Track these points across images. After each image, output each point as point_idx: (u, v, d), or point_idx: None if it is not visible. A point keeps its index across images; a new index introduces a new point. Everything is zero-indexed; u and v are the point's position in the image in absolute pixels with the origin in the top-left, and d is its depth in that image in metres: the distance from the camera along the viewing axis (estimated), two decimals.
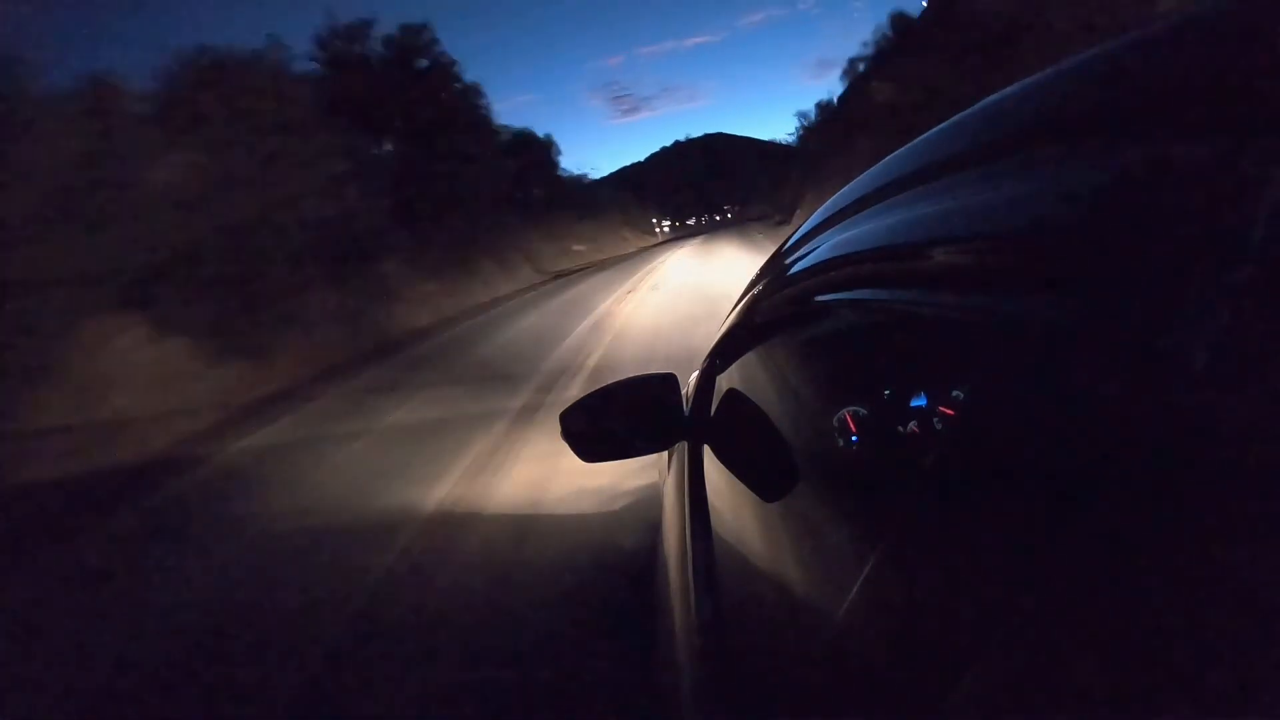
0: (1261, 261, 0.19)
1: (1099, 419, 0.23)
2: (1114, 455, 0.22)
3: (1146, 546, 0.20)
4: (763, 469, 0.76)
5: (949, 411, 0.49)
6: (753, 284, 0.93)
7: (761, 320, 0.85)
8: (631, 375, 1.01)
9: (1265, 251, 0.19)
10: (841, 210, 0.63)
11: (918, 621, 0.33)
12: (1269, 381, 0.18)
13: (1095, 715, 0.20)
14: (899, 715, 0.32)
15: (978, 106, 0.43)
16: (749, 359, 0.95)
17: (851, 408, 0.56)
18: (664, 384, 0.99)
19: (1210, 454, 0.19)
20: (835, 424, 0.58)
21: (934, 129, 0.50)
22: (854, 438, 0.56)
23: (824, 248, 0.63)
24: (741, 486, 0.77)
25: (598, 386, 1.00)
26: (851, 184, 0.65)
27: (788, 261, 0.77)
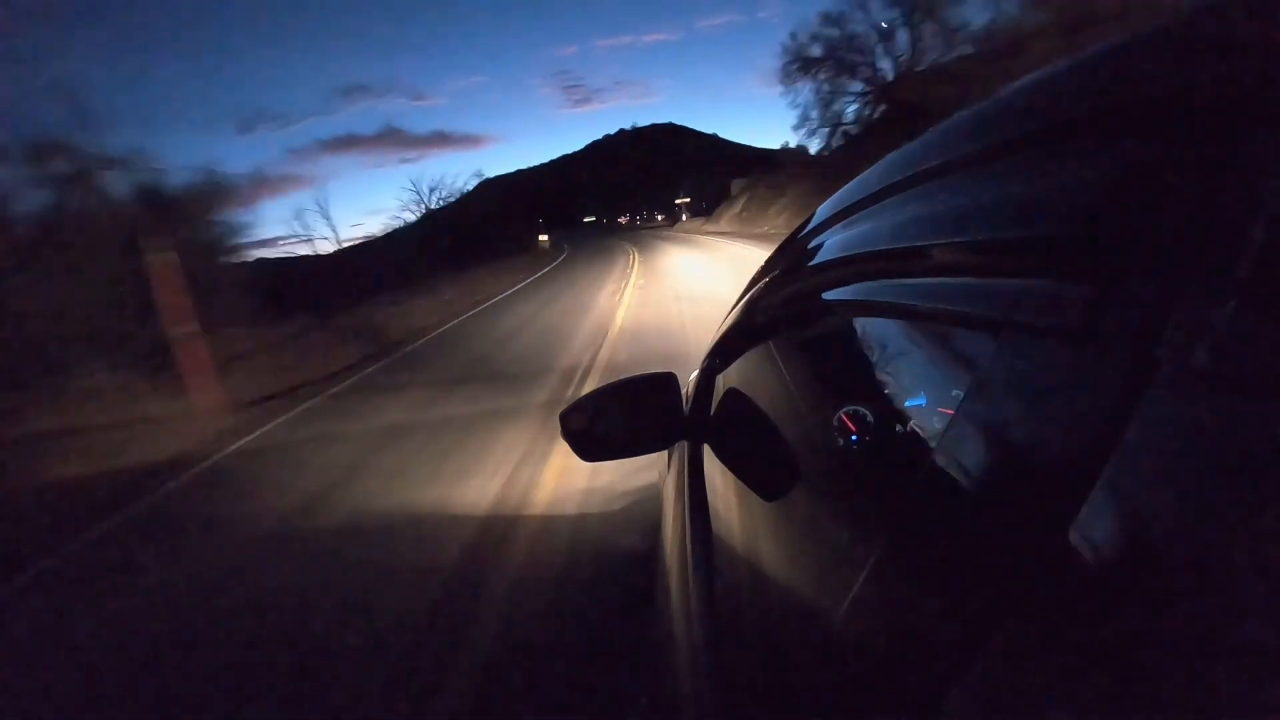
0: (1262, 261, 0.19)
1: (1099, 419, 0.23)
2: (1114, 455, 0.21)
3: (1146, 546, 0.20)
4: (762, 469, 0.76)
5: (949, 411, 0.51)
6: (753, 283, 0.93)
7: (761, 319, 0.86)
8: (631, 375, 1.01)
9: (1265, 251, 0.19)
10: (842, 210, 0.63)
11: (917, 621, 0.33)
12: (1269, 381, 0.18)
13: (1094, 715, 0.20)
14: (899, 715, 0.32)
15: (980, 105, 0.43)
16: (749, 358, 0.96)
17: (851, 407, 0.56)
18: (664, 383, 1.00)
19: (1210, 454, 0.19)
20: (835, 424, 0.57)
21: (936, 127, 0.49)
22: (854, 438, 0.55)
23: (824, 247, 0.63)
24: (741, 486, 0.77)
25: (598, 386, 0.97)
26: (852, 183, 0.65)
27: (788, 260, 0.77)
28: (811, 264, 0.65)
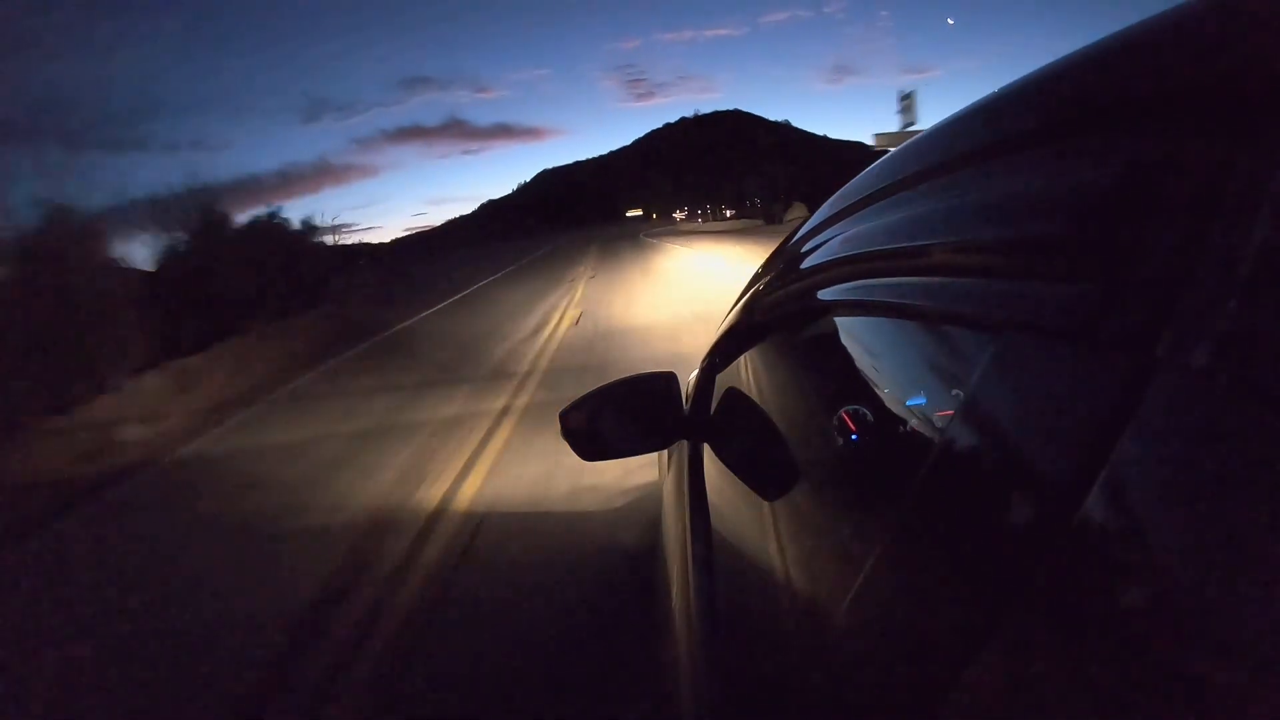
0: (1262, 261, 0.19)
1: (1099, 419, 0.23)
2: (1113, 455, 0.21)
3: (1146, 546, 0.20)
4: (762, 468, 0.76)
5: (949, 412, 0.48)
6: (753, 282, 0.92)
7: (761, 318, 0.85)
8: (631, 374, 1.01)
9: (1266, 251, 0.19)
10: (843, 209, 0.63)
11: (917, 621, 0.33)
12: (1269, 381, 0.18)
13: (1094, 715, 0.20)
14: (898, 715, 0.32)
15: (980, 104, 0.43)
16: (749, 357, 0.95)
17: (851, 407, 0.56)
18: (664, 382, 0.99)
19: (1210, 454, 0.19)
20: (835, 423, 0.58)
21: (939, 123, 0.49)
22: (854, 437, 0.55)
23: (825, 246, 0.63)
24: (741, 485, 0.77)
25: (597, 386, 0.99)
26: (853, 182, 0.64)
27: (788, 259, 0.76)
28: (811, 263, 0.65)
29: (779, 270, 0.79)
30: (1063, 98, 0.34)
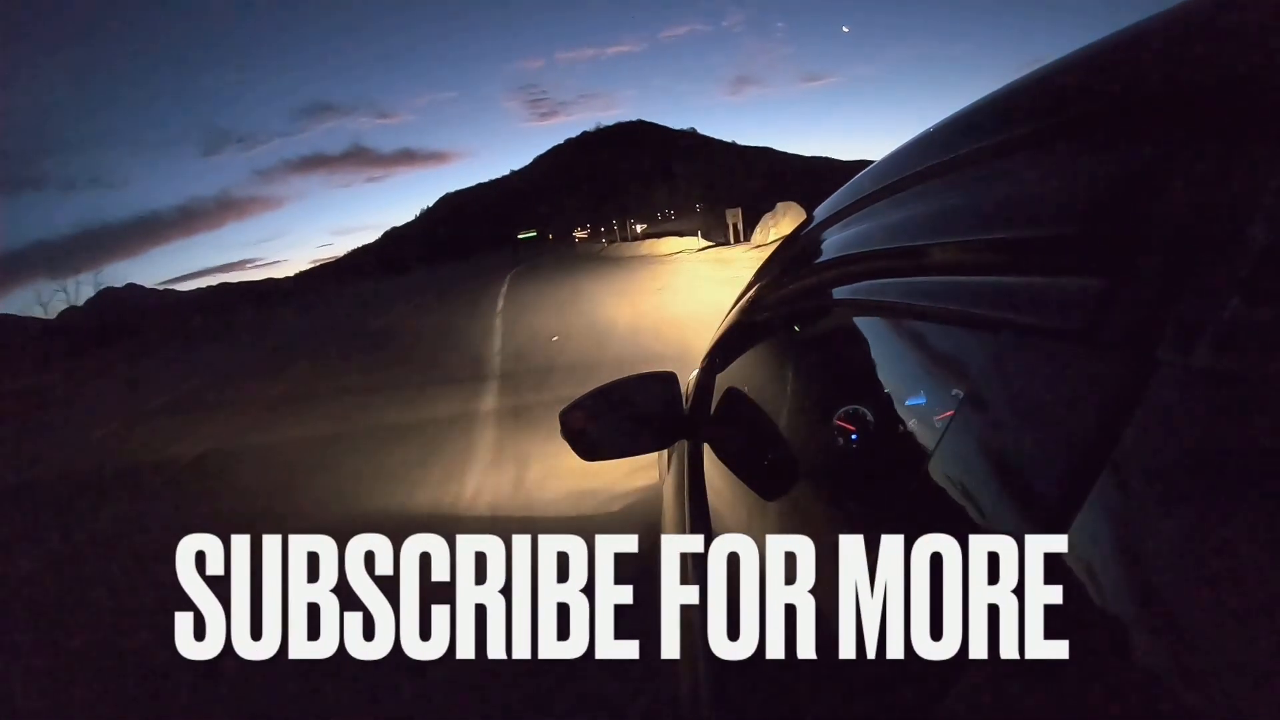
0: (1262, 261, 0.19)
1: (1099, 419, 0.23)
2: (1113, 455, 0.21)
3: (1145, 546, 0.20)
4: (762, 468, 0.76)
5: (949, 413, 0.50)
6: (753, 282, 0.93)
7: (761, 318, 0.85)
8: (630, 374, 1.01)
9: (1266, 251, 0.19)
10: (843, 209, 0.63)
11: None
12: (1269, 381, 0.18)
13: (1091, 716, 0.20)
14: (898, 714, 0.32)
15: (981, 103, 0.43)
16: (748, 357, 0.96)
17: (850, 407, 0.56)
18: (663, 382, 1.00)
19: (1210, 454, 0.19)
20: (835, 423, 0.57)
21: (938, 123, 0.49)
22: (854, 437, 0.55)
23: (825, 246, 0.63)
24: (741, 485, 0.77)
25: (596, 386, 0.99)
26: (853, 181, 0.65)
27: (788, 259, 0.77)
28: (811, 263, 0.65)
29: (778, 270, 0.79)
30: (1062, 98, 0.33)
